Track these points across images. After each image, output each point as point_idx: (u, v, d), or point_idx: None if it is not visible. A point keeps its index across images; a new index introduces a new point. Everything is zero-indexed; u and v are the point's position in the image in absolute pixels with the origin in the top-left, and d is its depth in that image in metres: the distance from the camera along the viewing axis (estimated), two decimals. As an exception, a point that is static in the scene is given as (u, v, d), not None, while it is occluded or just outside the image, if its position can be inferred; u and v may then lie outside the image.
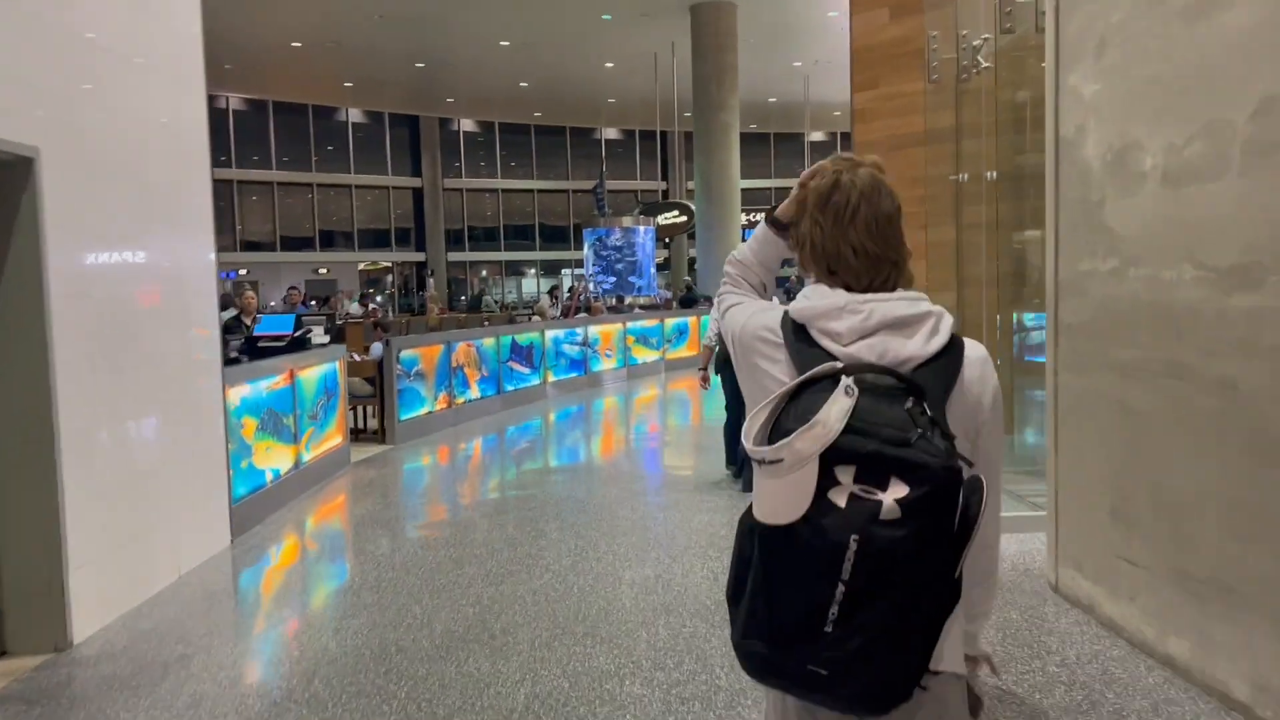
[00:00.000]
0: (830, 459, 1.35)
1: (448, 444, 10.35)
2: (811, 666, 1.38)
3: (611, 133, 40.21)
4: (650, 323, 16.80)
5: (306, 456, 7.77)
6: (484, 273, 40.49)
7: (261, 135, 34.61)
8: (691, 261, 37.41)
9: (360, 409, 10.53)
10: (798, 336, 1.56)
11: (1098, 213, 4.29)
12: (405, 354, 10.18)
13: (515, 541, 6.09)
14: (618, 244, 21.80)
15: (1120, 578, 4.16)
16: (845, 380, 1.40)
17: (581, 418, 12.74)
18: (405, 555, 5.84)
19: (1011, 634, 4.27)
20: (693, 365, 17.48)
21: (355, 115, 36.40)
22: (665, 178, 39.82)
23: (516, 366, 12.73)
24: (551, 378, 13.71)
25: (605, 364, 15.29)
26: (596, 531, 6.26)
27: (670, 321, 17.35)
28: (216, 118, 33.26)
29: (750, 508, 1.47)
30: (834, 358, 1.49)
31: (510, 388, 12.57)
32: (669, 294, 25.49)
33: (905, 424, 1.37)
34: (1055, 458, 4.74)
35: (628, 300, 20.96)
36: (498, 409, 12.15)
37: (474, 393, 11.63)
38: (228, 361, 6.72)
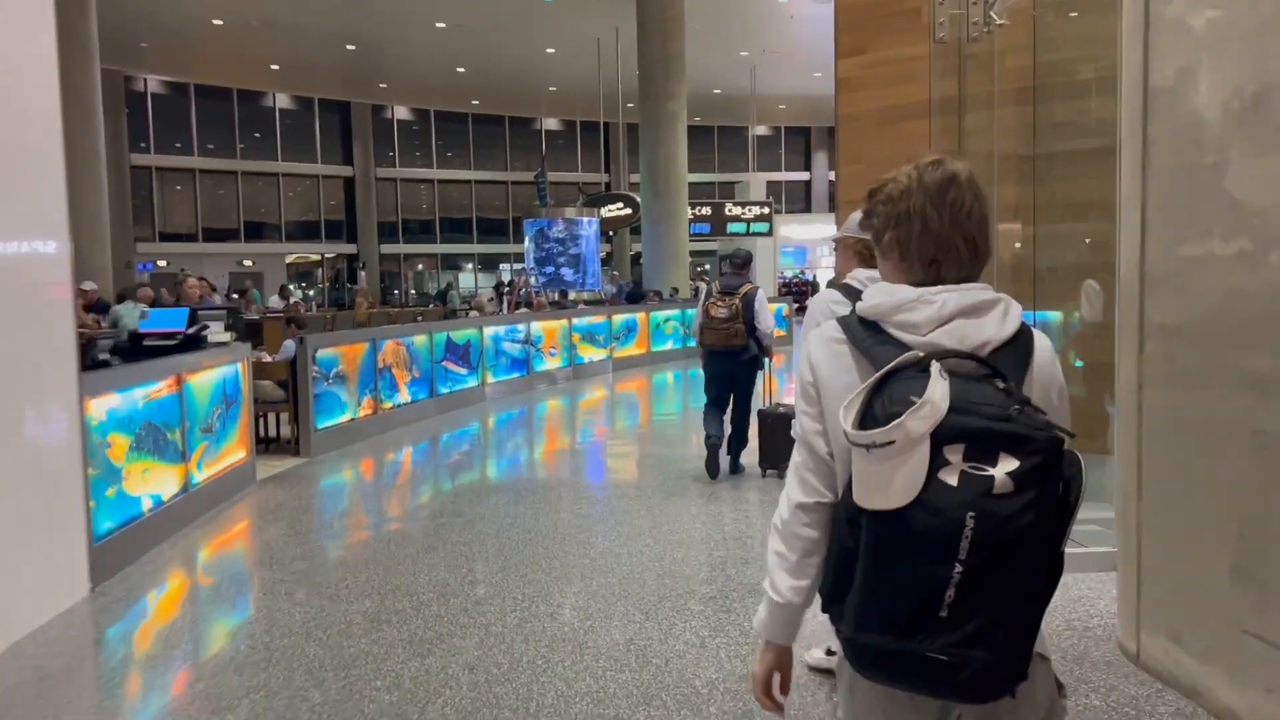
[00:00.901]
0: (938, 439, 1.35)
1: (372, 455, 9.14)
2: (931, 654, 1.36)
3: (552, 123, 39.00)
4: (597, 319, 15.68)
5: (198, 477, 6.53)
6: (419, 266, 39.03)
7: (183, 120, 32.80)
8: (635, 256, 36.48)
9: (270, 417, 9.27)
10: (870, 333, 1.55)
11: (1214, 180, 3.28)
12: (323, 353, 8.94)
13: (448, 589, 4.94)
14: (560, 236, 20.63)
15: (1247, 658, 3.16)
16: (936, 365, 1.41)
17: (524, 423, 11.59)
18: (310, 612, 4.66)
19: (1101, 731, 3.27)
20: (641, 364, 16.41)
21: (283, 100, 34.73)
22: (608, 170, 38.75)
23: (452, 367, 11.53)
24: (491, 379, 12.53)
25: (549, 363, 14.15)
26: (547, 574, 5.14)
27: (618, 318, 16.25)
28: (134, 100, 31.45)
29: (844, 497, 1.48)
30: (909, 349, 1.48)
31: (445, 390, 11.37)
32: (614, 289, 24.38)
33: (1003, 401, 1.39)
34: (1138, 493, 3.73)
35: (571, 295, 19.80)
36: (431, 414, 10.95)
37: (403, 396, 10.42)
38: (90, 366, 5.46)
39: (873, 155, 7.20)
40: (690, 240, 25.30)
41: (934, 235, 1.57)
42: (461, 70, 31.23)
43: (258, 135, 34.62)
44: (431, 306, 23.84)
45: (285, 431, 9.25)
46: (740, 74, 31.30)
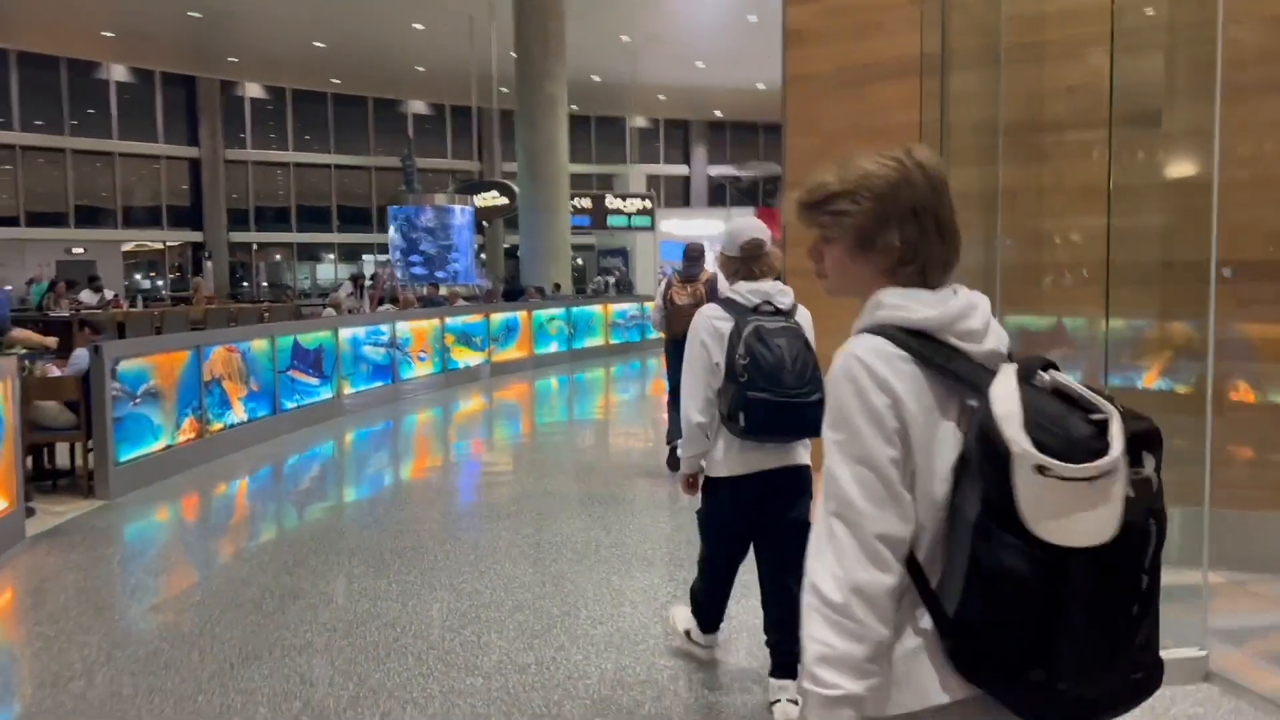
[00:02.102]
0: None
1: (195, 491, 7.29)
2: (1134, 675, 1.32)
3: (420, 106, 36.78)
4: (473, 318, 13.94)
5: (-79, 546, 4.63)
6: (277, 257, 36.25)
7: (2, 91, 29.34)
8: (509, 250, 34.65)
9: (56, 448, 7.31)
10: (933, 345, 1.37)
11: None
12: (128, 365, 7.02)
13: (269, 742, 3.27)
14: (430, 225, 18.77)
15: None
16: (1044, 374, 1.30)
17: (388, 439, 9.84)
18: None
19: None
20: (523, 369, 14.76)
21: (119, 73, 31.54)
22: (481, 159, 36.76)
23: (300, 376, 9.67)
24: (348, 389, 10.69)
25: (418, 369, 12.36)
26: (432, 681, 3.52)
27: (497, 317, 14.54)
28: (-58, 66, 27.94)
29: (1000, 540, 1.24)
30: (974, 361, 1.36)
31: (291, 405, 9.50)
32: (489, 284, 22.58)
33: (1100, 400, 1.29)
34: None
35: (443, 290, 17.98)
36: (274, 434, 9.08)
37: (237, 414, 8.53)
38: None
39: (829, 124, 5.80)
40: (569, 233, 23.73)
41: (949, 235, 1.44)
42: (320, 45, 28.83)
43: (91, 111, 31.37)
44: (285, 300, 21.51)
45: (80, 463, 7.28)
46: (621, 60, 29.84)
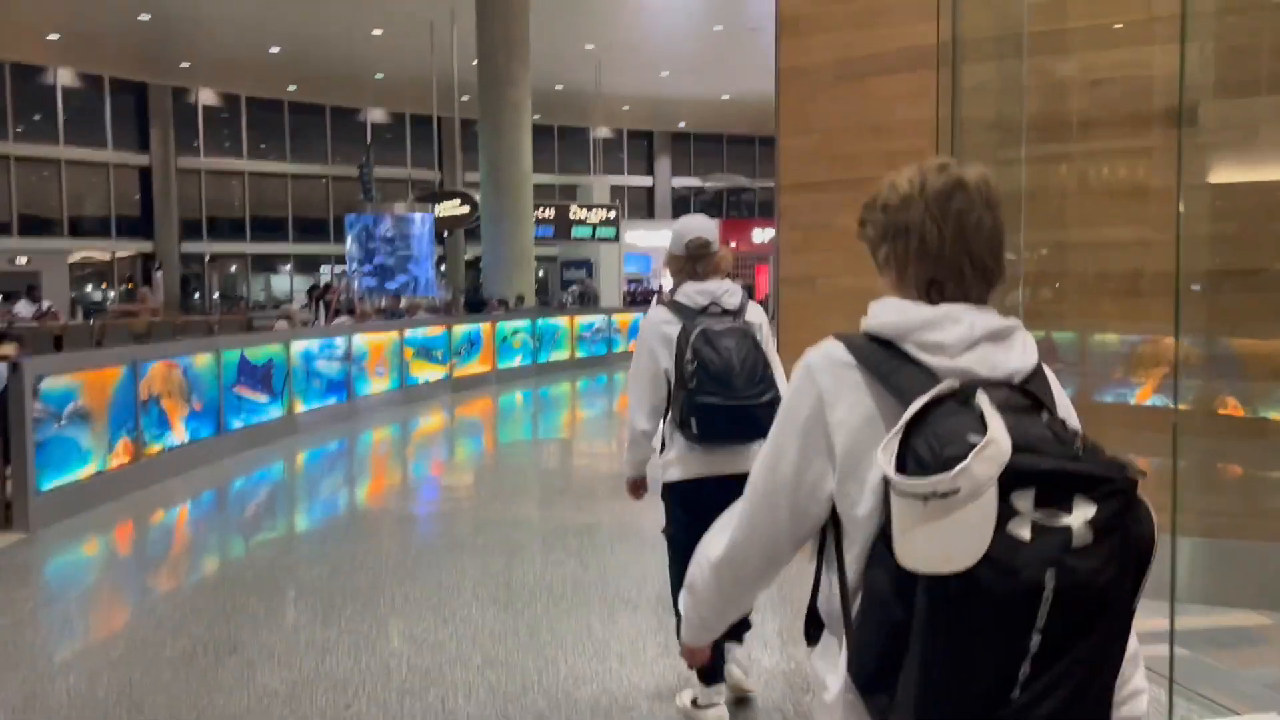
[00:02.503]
0: (1002, 485, 1.13)
1: (128, 522, 6.64)
2: None
3: (379, 115, 36.07)
4: (434, 331, 13.32)
5: None
6: (233, 268, 35.30)
7: (-59, 95, 28.30)
8: (470, 262, 33.99)
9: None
10: (886, 354, 1.31)
11: None
12: (52, 383, 6.36)
13: None
14: (389, 235, 18.11)
15: None
16: (984, 395, 1.20)
17: (342, 460, 9.23)
18: None
19: None
20: (485, 384, 14.17)
21: (66, 77, 30.51)
22: (442, 168, 36.08)
23: (248, 393, 9.02)
24: (301, 407, 10.04)
25: (375, 384, 11.72)
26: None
27: (459, 329, 13.93)
28: (-124, 68, 26.82)
29: (881, 558, 1.21)
30: (934, 375, 1.26)
31: (239, 424, 8.85)
32: (447, 295, 21.94)
33: (1063, 437, 1.20)
34: None
35: (404, 302, 17.33)
36: (218, 456, 8.42)
37: (178, 435, 7.88)
38: None
39: (828, 121, 5.31)
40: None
41: (933, 254, 1.36)
42: (275, 50, 28.08)
43: (36, 116, 30.34)
44: (236, 312, 20.63)
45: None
46: (585, 69, 29.37)
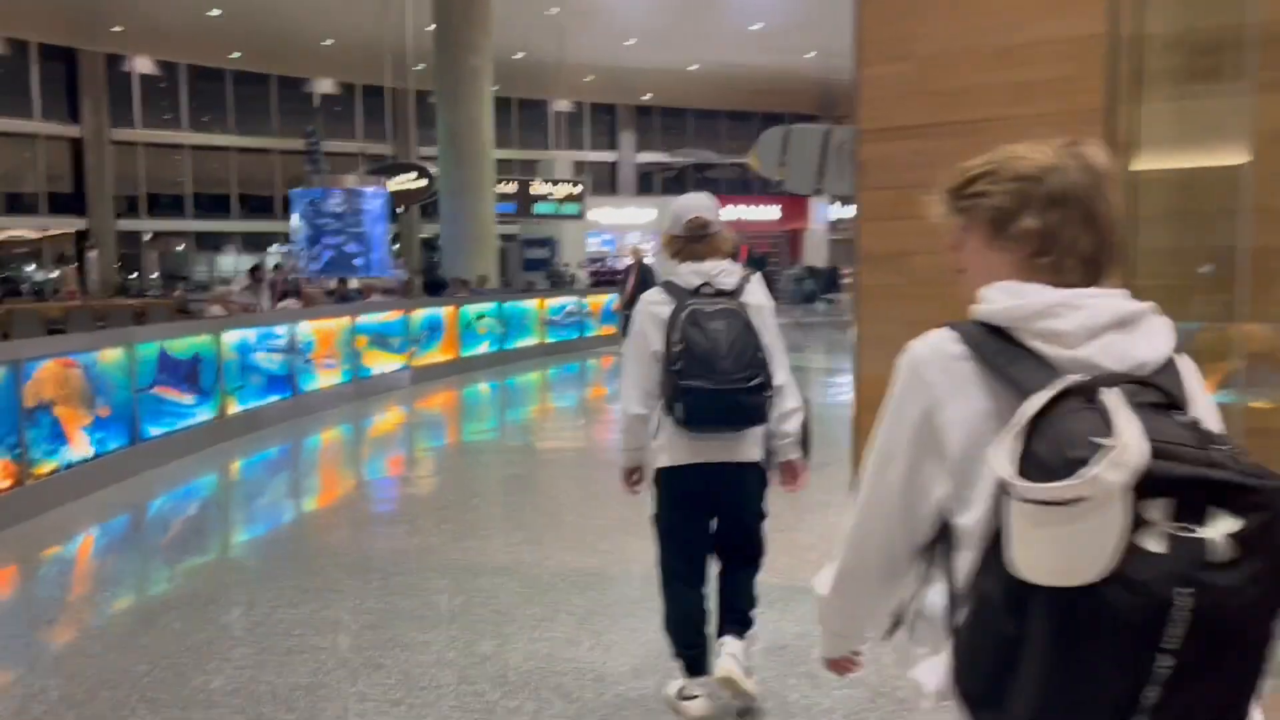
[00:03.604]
0: (1135, 492, 1.04)
1: (12, 561, 5.23)
2: None
3: (328, 85, 34.23)
4: (390, 316, 11.89)
5: None
6: (180, 247, 33.42)
7: None
8: (426, 241, 32.41)
9: None
10: (1005, 344, 1.22)
11: None
12: (-103, 392, 4.92)
13: None
14: (339, 209, 16.57)
15: None
16: (1116, 392, 1.10)
17: (285, 468, 7.84)
18: None
19: None
20: (450, 373, 12.77)
21: (-11, 43, 28.47)
22: (394, 142, 34.36)
23: (169, 394, 7.59)
24: (235, 407, 8.61)
25: (324, 379, 10.30)
26: None
27: (418, 314, 12.51)
28: None
29: (994, 566, 1.13)
30: (1054, 368, 1.17)
31: (157, 431, 7.43)
32: (404, 275, 20.44)
33: (1201, 440, 1.08)
34: None
35: (354, 283, 15.86)
36: (132, 471, 7.01)
37: (78, 449, 6.45)
38: None
39: (931, 43, 4.00)
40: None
41: (1101, 225, 1.28)
42: (215, 14, 26.27)
43: (-43, 85, 28.31)
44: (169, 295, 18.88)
45: None
46: (547, 36, 27.84)
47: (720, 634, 3.19)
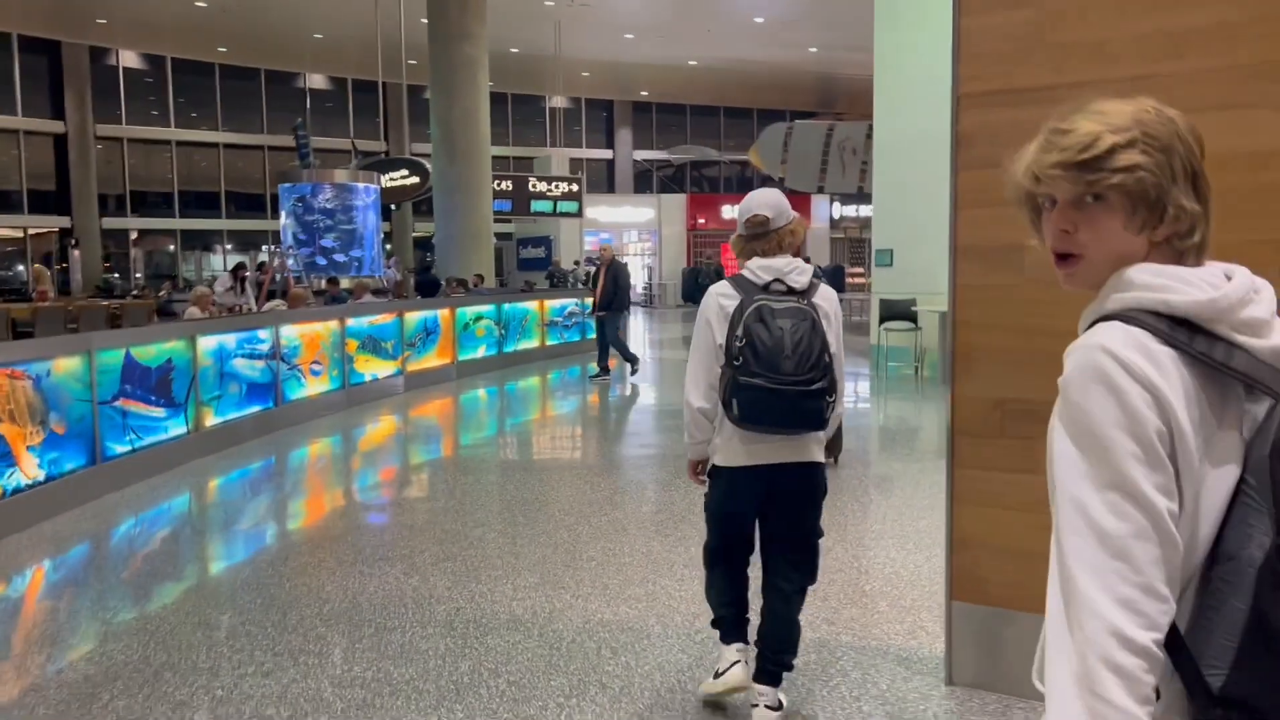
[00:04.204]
0: None
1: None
2: None
3: (319, 80, 33.45)
4: (383, 318, 11.12)
5: None
6: (171, 247, 32.60)
7: None
8: (419, 241, 31.64)
9: None
10: (1207, 343, 1.10)
11: None
12: None
13: None
14: (329, 205, 15.82)
15: None
16: None
17: (265, 488, 7.08)
18: None
19: None
20: (446, 378, 12.02)
21: (-31, 36, 27.61)
22: (387, 139, 33.56)
23: (136, 406, 6.82)
24: (211, 419, 7.84)
25: (311, 386, 9.54)
26: None
27: (412, 316, 11.74)
28: None
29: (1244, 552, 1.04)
30: (1257, 359, 1.09)
31: (121, 449, 6.66)
32: (397, 274, 19.67)
33: None
34: None
35: (346, 283, 15.10)
36: (92, 494, 6.26)
37: (26, 473, 5.68)
38: None
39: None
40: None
41: (1201, 205, 1.19)
42: (202, 5, 25.41)
43: (-64, 79, 27.48)
44: (148, 295, 18.01)
45: None
46: (543, 30, 27.08)
47: (755, 677, 3.11)
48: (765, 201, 3.06)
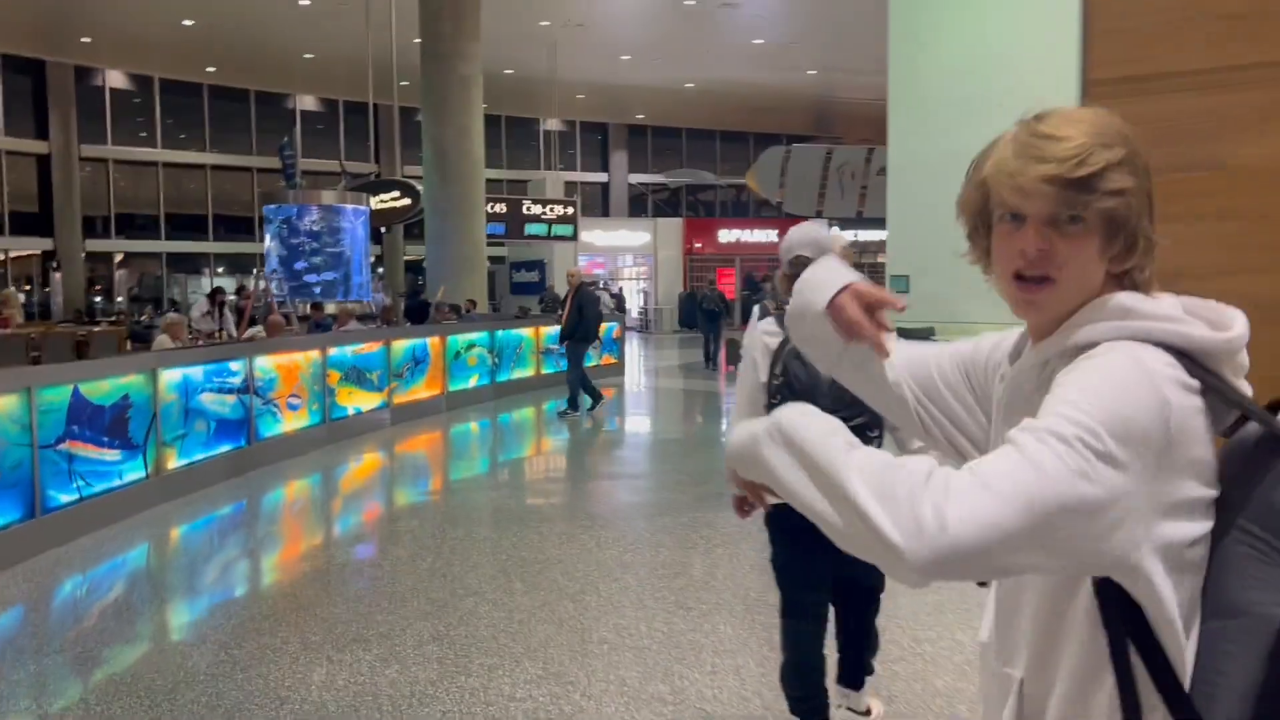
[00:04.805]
0: None
1: None
2: None
3: (309, 101, 32.86)
4: (368, 347, 10.39)
5: None
6: (159, 273, 31.85)
7: None
8: (410, 264, 30.97)
9: None
10: (1216, 382, 1.04)
11: None
12: None
13: None
14: (315, 228, 15.11)
15: None
16: None
17: (230, 542, 6.33)
18: None
19: None
20: (433, 412, 11.29)
21: (-50, 54, 26.98)
22: (378, 161, 32.94)
23: (86, 449, 6.08)
24: (174, 461, 7.10)
25: (288, 421, 8.79)
26: None
27: (400, 345, 11.01)
28: None
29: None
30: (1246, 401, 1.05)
31: (64, 499, 5.91)
32: (386, 299, 18.92)
33: None
34: None
35: (330, 308, 14.39)
36: (32, 550, 5.51)
37: (-49, 530, 4.93)
38: None
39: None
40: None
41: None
42: (190, 24, 24.82)
43: (-83, 99, 26.84)
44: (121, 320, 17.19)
45: None
46: (538, 51, 26.52)
47: (839, 680, 3.21)
48: (805, 240, 3.03)
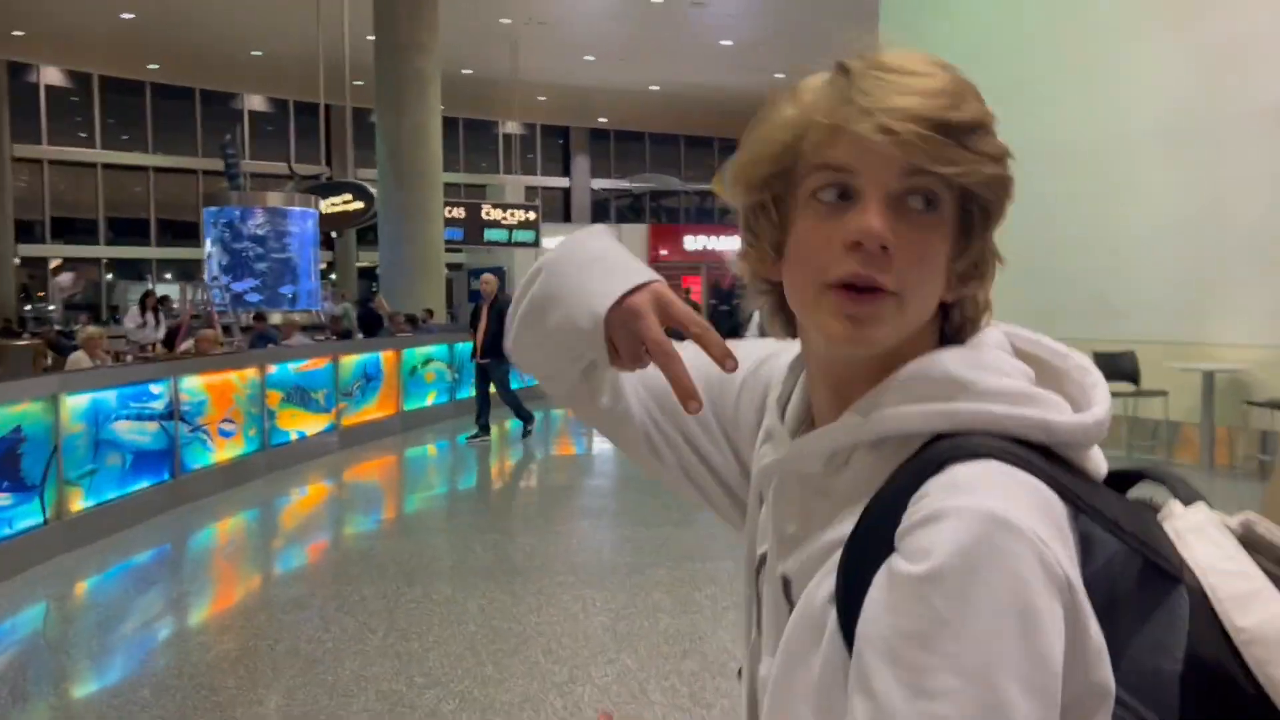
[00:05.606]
0: None
1: None
2: None
3: (258, 101, 31.62)
4: (313, 364, 9.37)
5: None
6: (109, 276, 30.64)
7: None
8: (364, 271, 29.87)
9: None
10: (1087, 503, 0.74)
11: None
12: None
13: None
14: (260, 232, 14.06)
15: None
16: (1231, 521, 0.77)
17: (145, 602, 5.31)
18: None
19: None
20: (388, 433, 10.28)
21: None
22: (330, 164, 31.76)
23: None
24: (80, 503, 6.06)
25: (220, 450, 7.76)
26: None
27: (349, 360, 9.99)
28: None
29: None
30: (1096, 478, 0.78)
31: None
32: (335, 309, 17.80)
33: None
34: None
35: (274, 319, 13.32)
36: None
37: None
38: None
39: None
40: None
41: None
42: (129, 17, 23.57)
43: None
44: (45, 333, 15.91)
45: None
46: (498, 50, 25.55)
47: None
48: None
